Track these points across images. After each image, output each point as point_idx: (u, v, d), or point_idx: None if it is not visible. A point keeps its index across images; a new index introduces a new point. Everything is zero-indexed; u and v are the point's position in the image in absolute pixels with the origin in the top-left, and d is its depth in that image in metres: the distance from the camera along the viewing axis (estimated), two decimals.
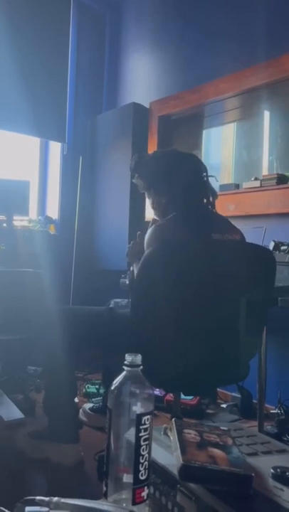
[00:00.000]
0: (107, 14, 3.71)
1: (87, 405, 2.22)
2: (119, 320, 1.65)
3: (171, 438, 0.96)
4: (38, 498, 0.75)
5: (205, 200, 1.65)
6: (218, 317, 1.46)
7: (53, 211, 3.54)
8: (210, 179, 1.67)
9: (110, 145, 3.37)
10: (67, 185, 3.50)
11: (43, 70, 3.28)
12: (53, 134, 3.47)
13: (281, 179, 2.45)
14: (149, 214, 2.88)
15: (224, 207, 2.44)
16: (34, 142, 3.61)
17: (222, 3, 2.85)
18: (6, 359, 2.63)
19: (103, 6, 3.68)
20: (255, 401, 2.22)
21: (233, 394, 2.47)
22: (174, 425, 0.97)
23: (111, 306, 1.94)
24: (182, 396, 2.06)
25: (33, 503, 0.74)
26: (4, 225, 2.97)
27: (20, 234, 3.01)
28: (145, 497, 0.81)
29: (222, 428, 1.01)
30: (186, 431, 0.94)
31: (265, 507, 0.77)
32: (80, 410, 2.16)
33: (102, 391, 2.46)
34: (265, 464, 0.90)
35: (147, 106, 3.27)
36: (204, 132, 3.17)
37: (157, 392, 2.25)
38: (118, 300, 2.02)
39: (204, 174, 1.65)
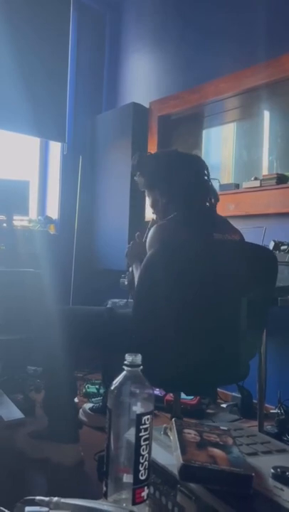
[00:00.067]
0: (107, 14, 3.71)
1: (87, 405, 2.22)
2: (119, 320, 1.65)
3: (171, 438, 0.96)
4: (37, 498, 0.75)
5: (207, 202, 1.65)
6: (218, 317, 1.46)
7: (53, 211, 3.54)
8: (212, 182, 1.68)
9: (110, 145, 3.37)
10: (67, 185, 3.50)
11: (43, 70, 3.28)
12: (52, 133, 3.47)
13: (281, 179, 2.45)
14: (149, 214, 2.88)
15: (224, 207, 2.43)
16: (34, 142, 3.61)
17: (222, 3, 2.85)
18: (6, 359, 2.64)
19: (103, 6, 3.68)
20: (255, 401, 2.22)
21: (233, 394, 2.47)
22: (174, 425, 0.97)
23: (108, 306, 1.94)
24: (182, 396, 2.06)
25: (33, 503, 0.74)
26: (4, 225, 2.97)
27: (20, 234, 3.01)
28: (145, 497, 0.81)
29: (222, 428, 1.01)
30: (186, 431, 0.94)
31: (265, 507, 0.77)
32: (80, 410, 2.16)
33: (102, 391, 2.46)
34: (265, 464, 0.90)
35: (147, 106, 3.27)
36: (204, 132, 3.17)
37: (157, 392, 2.25)
38: (116, 300, 2.02)
39: (206, 175, 1.65)
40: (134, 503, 0.80)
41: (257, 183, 2.55)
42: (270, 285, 1.55)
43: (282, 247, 2.06)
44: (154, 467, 0.89)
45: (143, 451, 0.81)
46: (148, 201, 1.74)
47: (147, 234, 1.60)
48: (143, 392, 0.82)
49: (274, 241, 2.10)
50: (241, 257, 1.50)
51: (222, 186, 2.72)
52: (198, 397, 2.32)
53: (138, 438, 0.80)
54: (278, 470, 0.86)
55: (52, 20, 3.38)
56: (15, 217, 3.05)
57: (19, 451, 1.76)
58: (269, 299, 1.64)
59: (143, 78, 3.45)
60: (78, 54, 3.57)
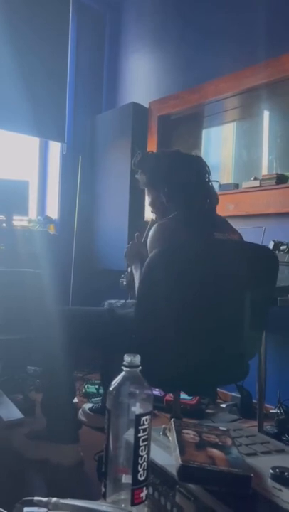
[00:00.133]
0: (107, 14, 3.71)
1: (87, 405, 2.22)
2: (120, 320, 1.65)
3: (170, 438, 0.96)
4: (36, 498, 0.75)
5: (207, 202, 1.65)
6: (218, 317, 1.46)
7: (53, 211, 3.54)
8: (213, 184, 1.68)
9: (110, 145, 3.37)
10: (66, 185, 3.50)
11: (42, 70, 3.28)
12: (52, 133, 3.47)
13: (281, 179, 2.45)
14: (149, 214, 2.87)
15: (224, 207, 2.43)
16: (34, 142, 3.61)
17: (222, 3, 2.85)
18: (6, 359, 2.64)
19: (103, 6, 3.68)
20: (254, 401, 2.22)
21: (233, 394, 2.47)
22: (172, 425, 0.96)
23: (105, 307, 1.94)
24: (182, 396, 2.06)
25: (32, 503, 0.74)
26: (4, 225, 2.97)
27: (20, 234, 3.00)
28: (144, 498, 0.81)
29: (221, 428, 1.01)
30: (185, 431, 0.94)
31: (264, 507, 0.77)
32: (80, 410, 2.16)
33: (101, 391, 2.46)
34: (265, 464, 0.90)
35: (147, 106, 3.27)
36: (204, 132, 3.17)
37: (157, 392, 2.25)
38: (112, 301, 2.02)
39: (207, 176, 1.65)
40: (133, 504, 0.80)
41: (256, 183, 2.55)
42: (270, 285, 1.55)
43: (282, 247, 2.07)
44: (152, 468, 0.89)
45: (142, 451, 0.81)
46: (148, 199, 1.74)
47: (147, 234, 1.60)
48: (142, 393, 0.82)
49: (274, 241, 2.10)
50: (242, 257, 1.50)
51: (222, 186, 2.72)
52: (197, 397, 2.32)
53: (137, 439, 0.80)
54: (277, 470, 0.86)
55: (52, 20, 3.38)
56: (15, 217, 3.05)
57: (18, 451, 1.76)
58: (269, 298, 1.64)
59: (143, 78, 3.44)
60: (78, 54, 3.57)
